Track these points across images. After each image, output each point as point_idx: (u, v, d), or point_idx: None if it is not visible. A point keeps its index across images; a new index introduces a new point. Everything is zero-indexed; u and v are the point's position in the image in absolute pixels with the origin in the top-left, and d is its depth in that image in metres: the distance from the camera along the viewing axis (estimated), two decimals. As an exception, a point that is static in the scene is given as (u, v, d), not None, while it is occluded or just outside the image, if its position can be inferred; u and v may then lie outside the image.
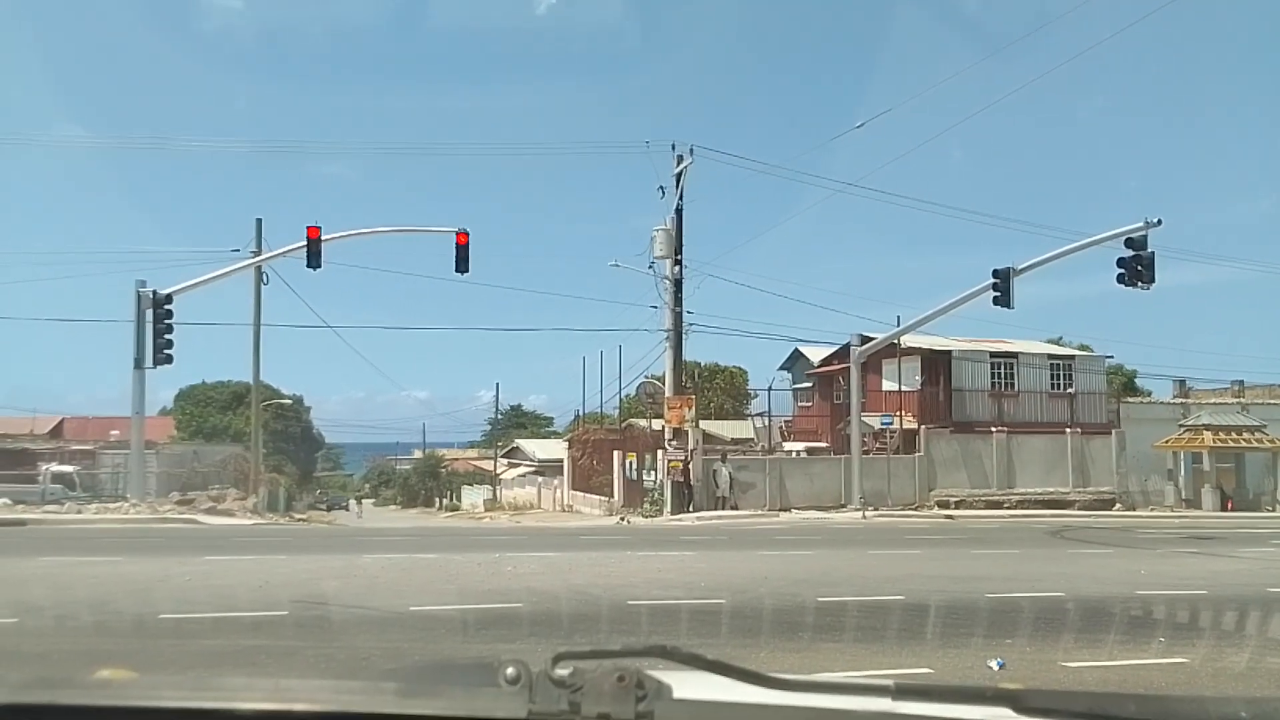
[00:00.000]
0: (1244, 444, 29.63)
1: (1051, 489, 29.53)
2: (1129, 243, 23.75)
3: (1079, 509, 28.49)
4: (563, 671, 1.39)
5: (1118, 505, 29.46)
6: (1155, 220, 23.62)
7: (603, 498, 35.11)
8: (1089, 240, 26.01)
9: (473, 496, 60.34)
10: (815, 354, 37.94)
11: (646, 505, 28.64)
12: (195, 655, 6.45)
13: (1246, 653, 7.13)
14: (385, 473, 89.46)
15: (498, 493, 56.32)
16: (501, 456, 63.65)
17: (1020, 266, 25.48)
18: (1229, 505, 29.01)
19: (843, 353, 32.15)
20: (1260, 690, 5.90)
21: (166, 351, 25.11)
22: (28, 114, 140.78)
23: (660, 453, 28.43)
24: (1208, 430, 29.58)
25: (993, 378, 32.52)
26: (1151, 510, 28.95)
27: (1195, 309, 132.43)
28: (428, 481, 74.57)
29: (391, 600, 9.24)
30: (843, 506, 27.22)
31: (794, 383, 41.54)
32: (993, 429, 30.33)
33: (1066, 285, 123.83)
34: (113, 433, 37.84)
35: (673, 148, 28.80)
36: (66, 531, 19.09)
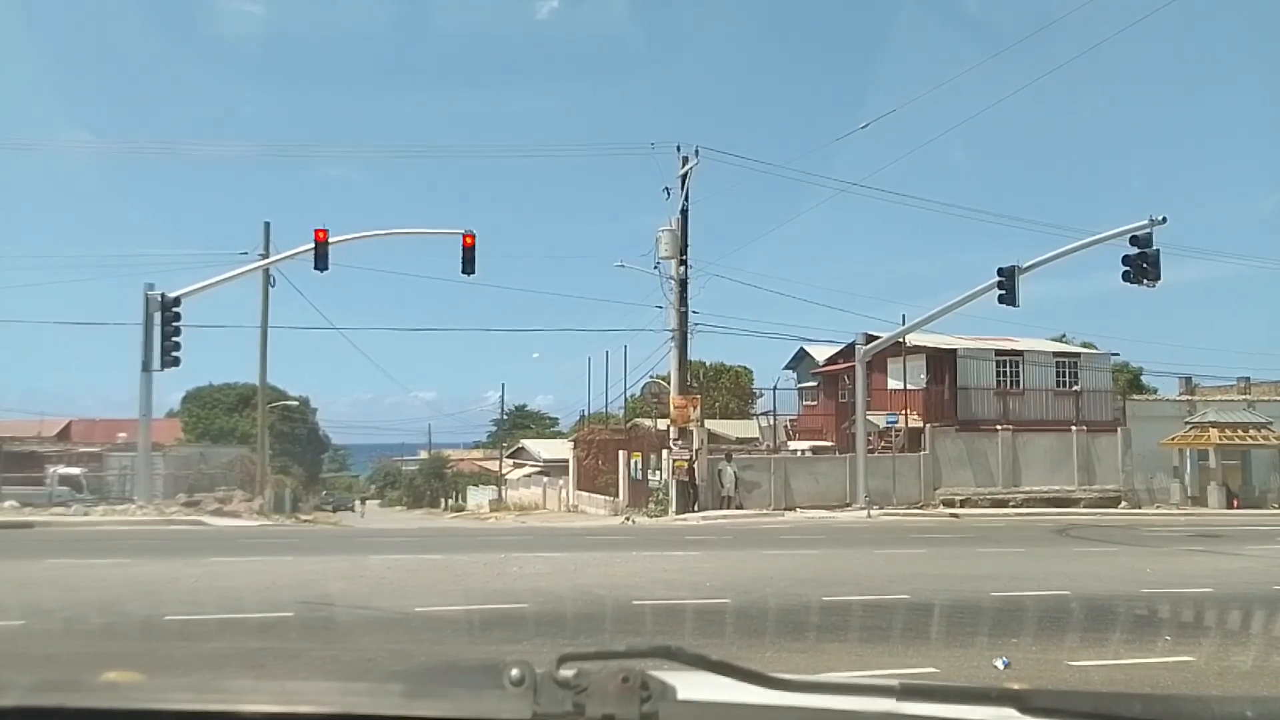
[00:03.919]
0: (1250, 441, 29.53)
1: (1057, 487, 29.46)
2: (1134, 240, 23.68)
3: (1084, 507, 28.43)
4: (567, 673, 1.40)
5: (1123, 503, 29.38)
6: (1160, 218, 23.55)
7: (608, 498, 35.10)
8: (1094, 238, 25.97)
9: (478, 497, 60.38)
10: (820, 353, 37.90)
11: (651, 505, 28.64)
12: (202, 657, 6.47)
13: (1252, 651, 7.11)
14: (391, 474, 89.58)
15: (503, 493, 56.33)
16: (507, 457, 63.62)
17: (1025, 265, 25.43)
18: (1235, 503, 28.92)
19: (848, 352, 32.13)
20: (1266, 689, 5.88)
21: (174, 354, 25.14)
22: (36, 119, 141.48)
23: (665, 452, 28.42)
24: (1213, 427, 29.48)
25: (998, 376, 32.44)
26: (1157, 508, 28.86)
27: (1201, 306, 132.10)
28: (433, 482, 74.64)
29: (397, 601, 9.26)
30: (848, 505, 27.19)
31: (799, 382, 41.54)
32: (998, 427, 30.24)
33: (1071, 283, 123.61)
34: (120, 435, 37.87)
35: (678, 149, 28.81)
36: (73, 533, 19.15)
